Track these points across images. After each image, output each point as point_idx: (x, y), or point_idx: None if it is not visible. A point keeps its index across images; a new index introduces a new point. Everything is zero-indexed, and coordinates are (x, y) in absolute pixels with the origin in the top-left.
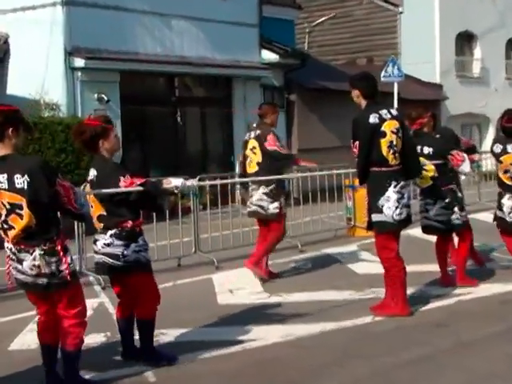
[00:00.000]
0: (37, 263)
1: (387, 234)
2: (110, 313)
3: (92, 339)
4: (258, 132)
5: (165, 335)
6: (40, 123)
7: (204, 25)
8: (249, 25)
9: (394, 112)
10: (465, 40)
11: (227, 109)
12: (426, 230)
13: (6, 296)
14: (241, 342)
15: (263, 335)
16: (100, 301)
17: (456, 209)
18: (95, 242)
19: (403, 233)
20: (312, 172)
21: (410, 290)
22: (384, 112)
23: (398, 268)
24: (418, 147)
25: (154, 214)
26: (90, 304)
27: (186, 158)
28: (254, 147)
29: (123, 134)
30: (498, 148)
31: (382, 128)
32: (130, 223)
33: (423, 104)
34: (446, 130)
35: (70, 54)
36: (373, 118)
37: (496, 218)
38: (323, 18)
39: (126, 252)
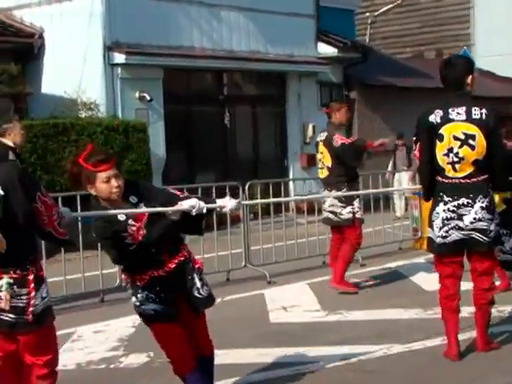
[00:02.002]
0: (2, 294)
1: (434, 254)
2: None
3: (133, 359)
4: (326, 134)
5: None
6: (77, 124)
7: (255, 16)
8: (304, 15)
9: (476, 114)
10: None
11: (280, 108)
12: (504, 265)
13: None
14: (295, 364)
15: (320, 357)
16: None
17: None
18: None
19: None
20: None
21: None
22: (458, 111)
23: (441, 299)
24: None
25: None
26: (132, 321)
27: (236, 162)
28: (322, 152)
29: (166, 136)
30: None
31: (441, 130)
32: (126, 278)
33: (499, 103)
34: None
35: (109, 48)
36: (433, 116)
37: None
38: (387, 7)
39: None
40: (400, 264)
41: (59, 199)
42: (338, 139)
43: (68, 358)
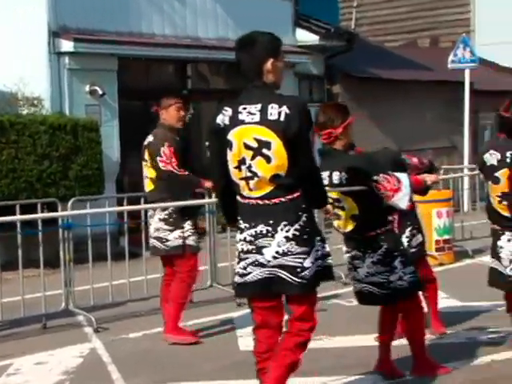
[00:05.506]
0: None
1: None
2: (103, 361)
3: None
4: (151, 139)
5: None
6: (17, 122)
7: None
8: None
9: (272, 113)
10: None
11: None
12: (359, 297)
13: None
14: None
15: None
16: (91, 346)
17: (397, 263)
18: None
19: None
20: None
21: None
22: (250, 109)
23: (254, 352)
24: (325, 174)
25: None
26: (79, 350)
27: (202, 165)
28: (146, 159)
29: (121, 136)
30: (492, 158)
31: (229, 135)
32: None
33: (502, 98)
34: (383, 154)
35: (54, 34)
36: (221, 116)
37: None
38: None
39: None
40: None
41: None
42: (167, 157)
43: None
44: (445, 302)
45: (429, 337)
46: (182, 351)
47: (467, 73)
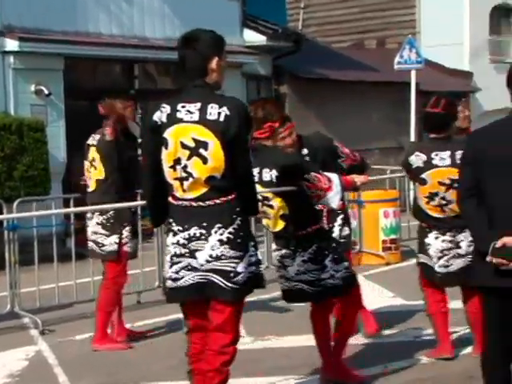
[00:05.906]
0: None
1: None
2: (49, 364)
3: None
4: (99, 137)
5: None
6: None
7: None
8: None
9: (212, 113)
10: (502, 15)
11: None
12: (288, 296)
13: None
14: None
15: None
16: (37, 349)
17: (327, 262)
18: None
19: None
20: None
21: None
22: (189, 108)
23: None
24: (255, 170)
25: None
26: (25, 353)
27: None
28: (94, 159)
29: (68, 136)
30: (418, 160)
31: (165, 133)
32: None
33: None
34: (316, 138)
35: None
36: (159, 113)
37: (418, 264)
38: None
39: None
40: None
41: None
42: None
43: None
44: (391, 300)
45: (365, 340)
46: (130, 352)
47: (413, 74)
